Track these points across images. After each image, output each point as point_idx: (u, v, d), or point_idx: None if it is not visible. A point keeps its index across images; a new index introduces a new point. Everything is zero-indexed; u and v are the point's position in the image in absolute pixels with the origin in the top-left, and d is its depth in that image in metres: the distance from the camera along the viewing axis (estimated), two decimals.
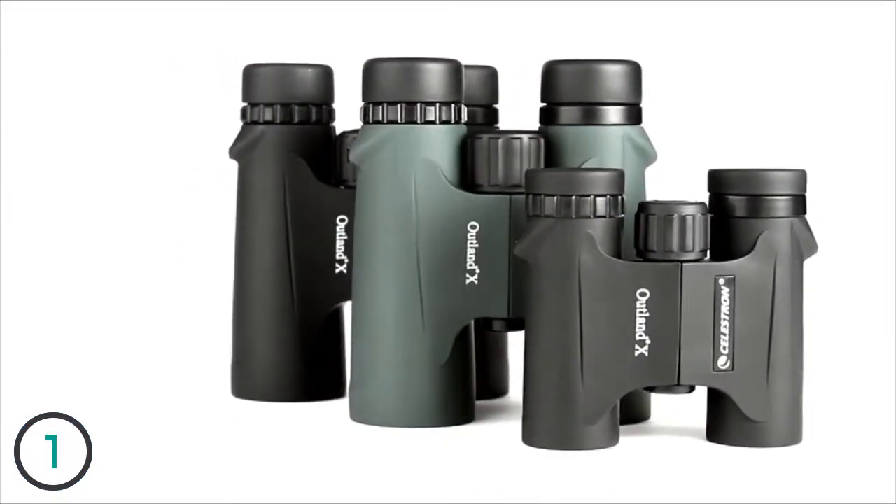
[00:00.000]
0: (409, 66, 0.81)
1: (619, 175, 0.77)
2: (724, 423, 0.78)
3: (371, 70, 0.82)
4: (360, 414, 0.82)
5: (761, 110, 1.20)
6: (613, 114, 0.82)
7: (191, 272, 1.16)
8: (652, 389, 0.78)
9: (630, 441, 0.78)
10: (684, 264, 0.76)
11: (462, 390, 0.82)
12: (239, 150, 0.88)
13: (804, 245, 0.78)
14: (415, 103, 0.80)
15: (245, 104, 0.89)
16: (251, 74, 0.88)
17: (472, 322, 0.83)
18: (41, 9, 1.20)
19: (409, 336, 0.81)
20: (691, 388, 0.78)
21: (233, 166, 0.90)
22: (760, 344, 0.77)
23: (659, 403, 0.85)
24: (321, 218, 0.87)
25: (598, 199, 0.76)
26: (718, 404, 0.78)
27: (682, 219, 0.76)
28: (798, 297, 0.78)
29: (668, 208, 0.76)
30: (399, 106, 0.81)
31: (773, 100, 1.21)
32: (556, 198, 0.76)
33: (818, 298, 1.06)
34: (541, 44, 1.15)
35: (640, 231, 0.77)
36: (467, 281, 0.81)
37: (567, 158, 0.81)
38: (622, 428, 0.80)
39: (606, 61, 0.82)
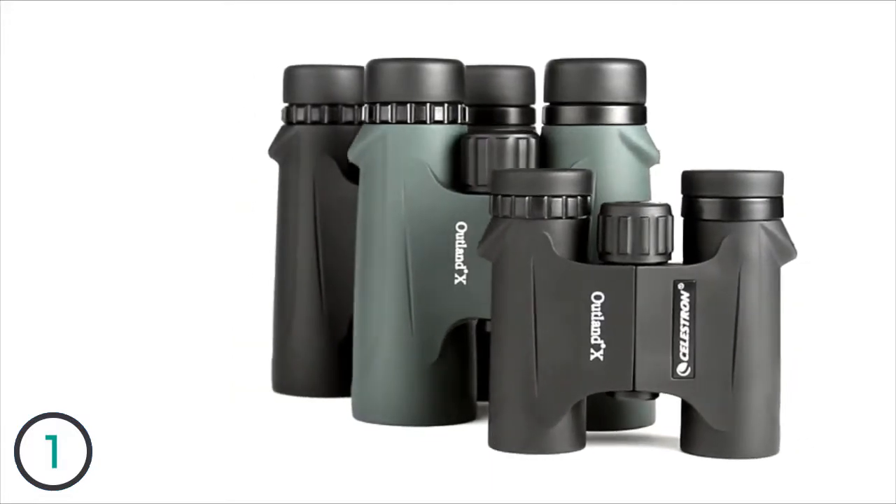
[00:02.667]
0: (401, 67, 0.82)
1: (582, 176, 0.76)
2: (692, 433, 0.76)
3: (369, 70, 0.83)
4: (359, 412, 0.84)
5: (771, 110, 1.18)
6: (612, 113, 0.81)
7: (239, 270, 1.18)
8: (612, 395, 0.77)
9: (596, 448, 0.77)
10: (639, 267, 0.75)
11: (456, 390, 0.83)
12: (275, 150, 0.91)
13: (778, 250, 0.76)
14: (405, 103, 0.82)
15: (285, 105, 0.91)
16: (290, 75, 0.91)
17: (474, 322, 0.83)
18: (83, 8, 1.21)
19: (399, 334, 0.82)
20: (653, 395, 0.76)
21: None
22: (724, 351, 0.75)
23: (666, 410, 0.84)
24: (348, 216, 0.88)
25: (554, 200, 0.75)
26: (688, 413, 0.77)
27: (639, 221, 0.75)
28: (770, 304, 0.76)
29: (624, 209, 0.75)
30: (391, 106, 0.82)
31: (780, 99, 1.18)
32: (511, 198, 0.76)
33: (808, 304, 1.06)
34: (581, 43, 1.15)
35: (599, 233, 0.76)
36: (455, 281, 0.81)
37: (561, 159, 0.81)
38: (609, 434, 0.80)
39: (608, 60, 0.81)
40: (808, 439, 0.80)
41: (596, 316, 0.75)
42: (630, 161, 0.81)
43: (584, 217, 0.76)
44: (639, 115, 0.82)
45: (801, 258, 0.77)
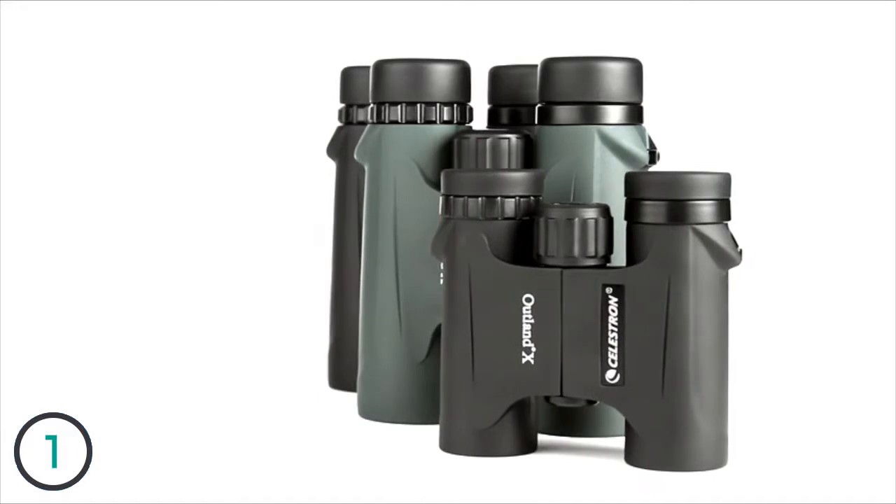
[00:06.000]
0: (397, 68, 0.83)
1: (524, 177, 0.75)
2: (631, 444, 0.74)
3: (373, 71, 0.84)
4: (361, 409, 0.85)
5: (771, 110, 1.13)
6: (598, 113, 0.79)
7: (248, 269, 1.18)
8: (548, 400, 0.75)
9: (542, 455, 0.76)
10: (564, 270, 0.74)
11: None
12: (330, 150, 0.93)
13: (715, 255, 0.72)
14: (398, 103, 0.82)
15: (342, 105, 0.93)
16: (346, 76, 0.93)
17: None
18: (146, 8, 1.22)
19: (389, 333, 0.83)
20: (590, 402, 0.75)
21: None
22: (654, 359, 0.72)
23: None
24: None
25: (491, 201, 0.75)
26: (627, 422, 0.74)
27: (564, 223, 0.73)
28: (709, 311, 0.72)
29: (555, 211, 0.74)
30: (385, 106, 0.83)
31: (780, 99, 1.13)
32: (452, 198, 0.76)
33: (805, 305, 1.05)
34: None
35: (533, 234, 0.75)
36: (441, 281, 0.81)
37: (543, 160, 0.81)
38: (568, 441, 0.79)
39: (600, 59, 0.80)
40: (768, 451, 0.77)
41: (527, 319, 0.74)
42: (612, 162, 0.79)
43: (527, 218, 0.75)
44: (632, 114, 0.80)
45: (803, 259, 0.76)
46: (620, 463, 0.74)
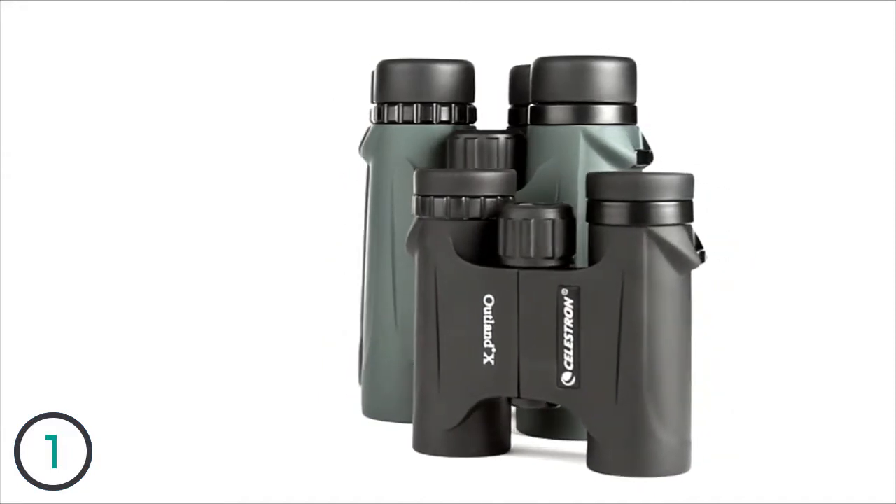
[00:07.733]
0: (399, 68, 0.83)
1: (491, 178, 0.75)
2: (591, 448, 0.73)
3: (377, 71, 0.84)
4: (364, 408, 0.86)
5: (767, 109, 1.16)
6: (585, 113, 0.78)
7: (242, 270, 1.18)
8: (510, 402, 0.75)
9: (511, 457, 0.76)
10: (521, 271, 0.73)
11: None
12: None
13: (672, 257, 0.71)
14: (395, 103, 0.83)
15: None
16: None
17: None
18: (174, 7, 1.22)
19: (386, 331, 0.83)
20: (550, 404, 0.74)
21: None
22: (608, 362, 0.71)
23: None
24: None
25: (456, 201, 0.75)
26: None
27: (524, 223, 0.73)
28: (665, 314, 0.71)
29: (516, 211, 0.73)
30: (384, 106, 0.83)
31: (777, 98, 1.16)
32: (420, 198, 0.76)
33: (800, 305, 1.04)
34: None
35: (496, 235, 0.75)
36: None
37: (531, 160, 0.80)
38: (541, 444, 0.78)
39: (589, 58, 0.79)
40: (729, 457, 0.76)
41: (487, 319, 0.74)
42: (598, 162, 0.78)
43: (495, 219, 0.75)
44: (625, 114, 0.79)
45: (795, 258, 0.75)
46: (584, 467, 0.74)
